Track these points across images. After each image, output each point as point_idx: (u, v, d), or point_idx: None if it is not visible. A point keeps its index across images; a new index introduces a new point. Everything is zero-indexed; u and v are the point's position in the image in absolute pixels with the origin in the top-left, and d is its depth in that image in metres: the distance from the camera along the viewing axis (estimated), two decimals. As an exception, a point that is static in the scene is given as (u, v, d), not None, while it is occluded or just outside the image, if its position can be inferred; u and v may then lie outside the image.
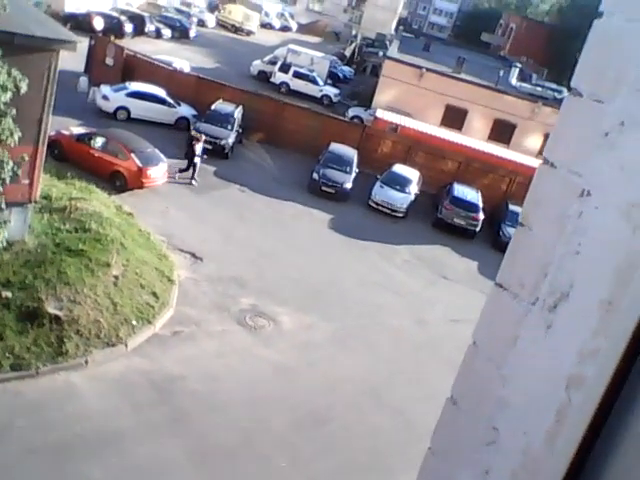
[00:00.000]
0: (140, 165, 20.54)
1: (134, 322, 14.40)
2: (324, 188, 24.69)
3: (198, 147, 22.63)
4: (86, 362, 13.04)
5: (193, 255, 18.06)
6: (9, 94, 12.33)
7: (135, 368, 13.35)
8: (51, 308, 13.48)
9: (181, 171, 22.32)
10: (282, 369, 14.62)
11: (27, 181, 15.34)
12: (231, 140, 25.47)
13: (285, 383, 14.20)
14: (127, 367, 13.29)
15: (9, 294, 13.44)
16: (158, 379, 13.25)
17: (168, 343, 14.41)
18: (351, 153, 26.65)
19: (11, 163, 12.88)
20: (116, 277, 15.22)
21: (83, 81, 27.95)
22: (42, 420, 11.50)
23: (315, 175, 24.88)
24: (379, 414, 13.98)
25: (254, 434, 12.58)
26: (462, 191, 25.85)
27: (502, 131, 34.05)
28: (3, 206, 13.61)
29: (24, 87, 12.51)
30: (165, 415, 12.39)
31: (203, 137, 23.41)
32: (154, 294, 15.48)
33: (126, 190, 20.31)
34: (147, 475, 11.08)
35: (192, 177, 22.46)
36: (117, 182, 20.42)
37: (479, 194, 25.96)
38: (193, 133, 24.61)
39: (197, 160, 22.52)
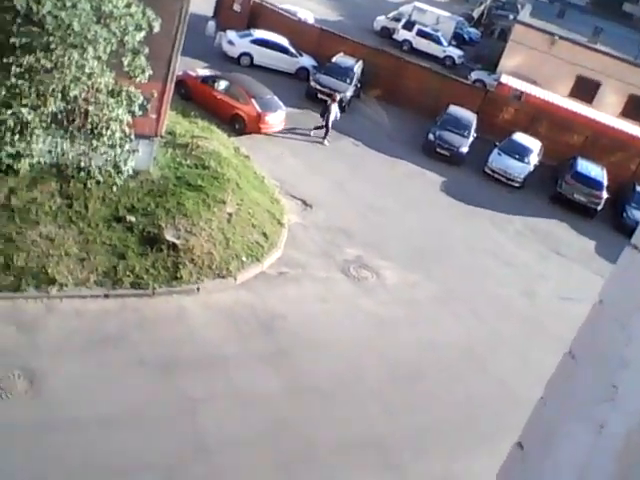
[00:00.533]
0: (259, 110, 20.89)
1: (244, 258, 14.85)
2: (439, 150, 24.14)
3: (334, 107, 22.35)
4: (198, 289, 13.64)
5: (304, 202, 18.29)
6: (143, 33, 12.83)
7: (242, 301, 13.82)
8: (169, 236, 14.13)
9: (316, 128, 22.30)
10: (382, 322, 14.64)
11: (155, 116, 16.01)
12: (349, 94, 25.31)
13: (383, 335, 14.23)
14: (234, 299, 13.78)
15: (133, 219, 14.21)
16: (262, 314, 13.66)
17: (274, 282, 14.77)
18: (470, 117, 25.81)
19: (141, 98, 13.48)
20: (230, 214, 15.69)
21: (211, 25, 28.58)
22: (154, 337, 12.19)
23: (431, 136, 24.35)
24: (478, 379, 13.74)
25: (349, 380, 12.75)
26: (586, 167, 24.46)
27: (637, 108, 31.73)
28: (132, 137, 14.32)
29: (157, 27, 12.96)
30: (266, 349, 12.78)
31: (338, 97, 23.14)
32: (264, 234, 15.86)
33: (244, 133, 20.76)
34: (245, 401, 11.53)
35: (324, 137, 22.23)
36: (236, 125, 20.90)
37: (604, 171, 24.47)
38: (313, 84, 24.64)
39: (331, 120, 22.13)
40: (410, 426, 12.03)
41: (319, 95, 24.29)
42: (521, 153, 24.60)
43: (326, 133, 22.25)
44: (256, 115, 20.86)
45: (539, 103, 28.40)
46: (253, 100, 21.01)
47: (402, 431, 11.91)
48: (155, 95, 15.34)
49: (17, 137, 12.63)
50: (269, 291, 14.40)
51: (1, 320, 11.25)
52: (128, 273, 13.17)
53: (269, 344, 12.96)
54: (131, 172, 15.02)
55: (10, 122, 12.48)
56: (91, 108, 13.44)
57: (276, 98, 21.82)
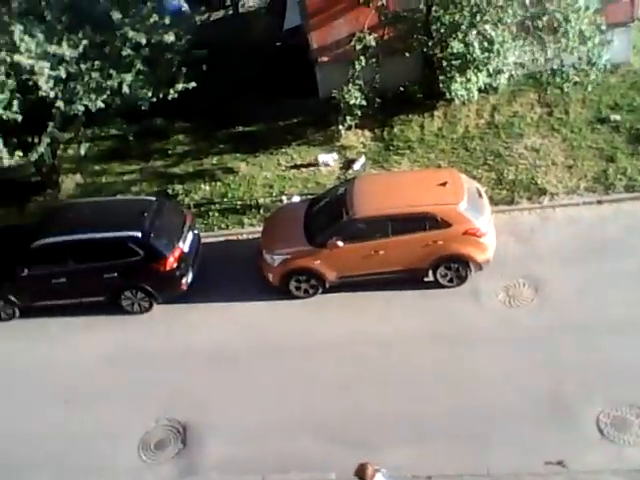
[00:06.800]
0: None
1: None
2: None
3: None
4: None
5: None
6: None
7: None
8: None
9: None
10: None
11: (628, -1, 14.47)
12: None
13: None
14: None
15: (618, 117, 13.40)
16: None
17: None
18: None
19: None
20: None
21: None
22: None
23: None
24: None
25: None
26: None
27: None
28: (604, 27, 13.24)
29: None
30: None
31: None
32: None
33: None
34: None
35: None
36: None
37: None
38: None
39: None
40: None
41: None
42: None
43: None
44: None
45: None
46: None
47: None
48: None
49: (488, 55, 13.02)
50: None
51: (501, 232, 12.00)
52: (620, 176, 12.54)
53: None
54: (608, 66, 14.04)
55: (476, 42, 12.91)
56: (548, 5, 12.82)
57: None
